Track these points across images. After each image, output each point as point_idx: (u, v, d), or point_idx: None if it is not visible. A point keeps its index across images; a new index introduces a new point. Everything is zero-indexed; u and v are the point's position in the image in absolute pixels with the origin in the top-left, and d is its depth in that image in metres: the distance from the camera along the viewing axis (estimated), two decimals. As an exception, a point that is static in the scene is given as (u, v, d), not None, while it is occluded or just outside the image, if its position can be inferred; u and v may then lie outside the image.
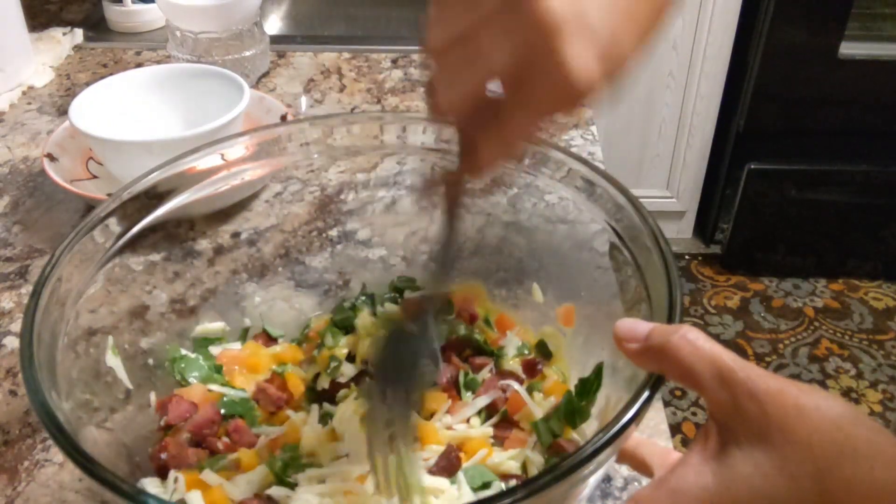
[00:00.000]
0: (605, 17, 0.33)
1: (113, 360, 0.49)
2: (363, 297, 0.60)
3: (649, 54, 0.36)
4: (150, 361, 0.53)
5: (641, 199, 0.48)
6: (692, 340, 0.36)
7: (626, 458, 0.42)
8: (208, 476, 0.45)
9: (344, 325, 0.58)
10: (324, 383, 0.54)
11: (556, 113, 0.35)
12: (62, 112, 0.99)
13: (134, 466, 0.46)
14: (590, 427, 0.49)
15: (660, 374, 0.37)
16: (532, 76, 0.33)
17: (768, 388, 0.34)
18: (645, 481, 0.50)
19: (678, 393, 1.81)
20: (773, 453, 0.33)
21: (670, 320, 0.40)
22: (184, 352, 0.54)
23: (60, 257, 0.45)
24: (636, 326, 0.39)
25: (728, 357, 0.35)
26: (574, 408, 0.49)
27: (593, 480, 0.39)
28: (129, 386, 0.49)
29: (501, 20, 0.33)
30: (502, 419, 0.52)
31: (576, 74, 0.32)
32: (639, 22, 0.34)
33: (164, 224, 0.53)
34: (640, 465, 0.42)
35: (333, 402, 0.53)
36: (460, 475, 0.46)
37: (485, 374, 0.54)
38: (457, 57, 0.34)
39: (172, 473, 0.46)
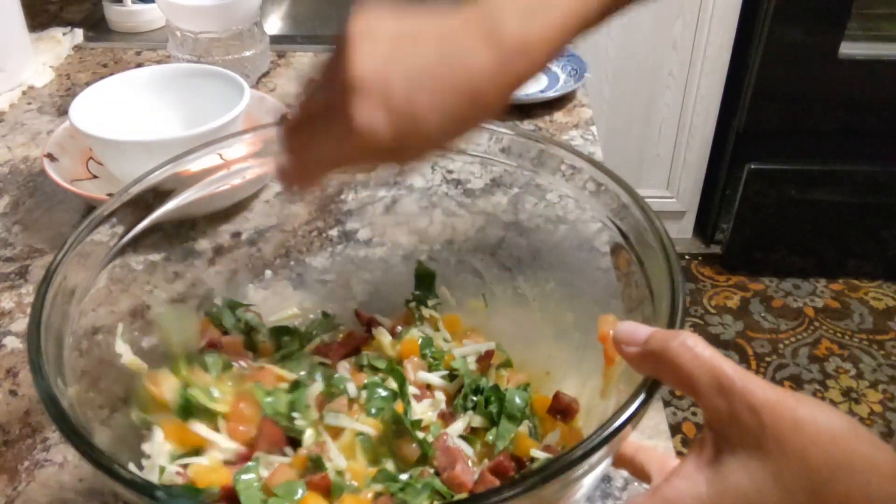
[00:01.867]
0: (407, 90, 0.39)
1: (122, 347, 0.49)
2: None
3: (463, 143, 0.45)
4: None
5: (642, 199, 0.48)
6: (691, 347, 0.36)
7: (624, 463, 0.42)
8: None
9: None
10: None
11: (349, 157, 0.42)
12: (62, 112, 0.99)
13: (137, 463, 0.46)
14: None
15: (658, 379, 0.37)
16: (332, 119, 0.41)
17: (766, 399, 0.34)
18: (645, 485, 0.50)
19: (678, 393, 1.81)
20: (768, 464, 0.33)
21: (672, 320, 0.40)
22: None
23: (66, 255, 0.45)
24: (636, 330, 0.39)
25: (727, 366, 0.35)
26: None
27: (590, 481, 0.38)
28: (145, 369, 0.50)
29: (330, 72, 0.42)
30: None
31: (359, 126, 0.39)
32: (444, 104, 0.40)
33: (165, 224, 0.53)
34: (639, 471, 0.41)
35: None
36: None
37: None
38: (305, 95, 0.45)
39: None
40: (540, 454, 0.47)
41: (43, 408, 0.38)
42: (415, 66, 0.40)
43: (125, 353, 0.49)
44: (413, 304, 0.59)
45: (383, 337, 0.56)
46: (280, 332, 0.57)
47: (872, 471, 0.32)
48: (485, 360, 0.55)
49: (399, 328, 0.58)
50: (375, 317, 0.59)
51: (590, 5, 0.43)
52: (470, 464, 0.48)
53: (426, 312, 0.59)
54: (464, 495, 0.45)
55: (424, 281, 0.60)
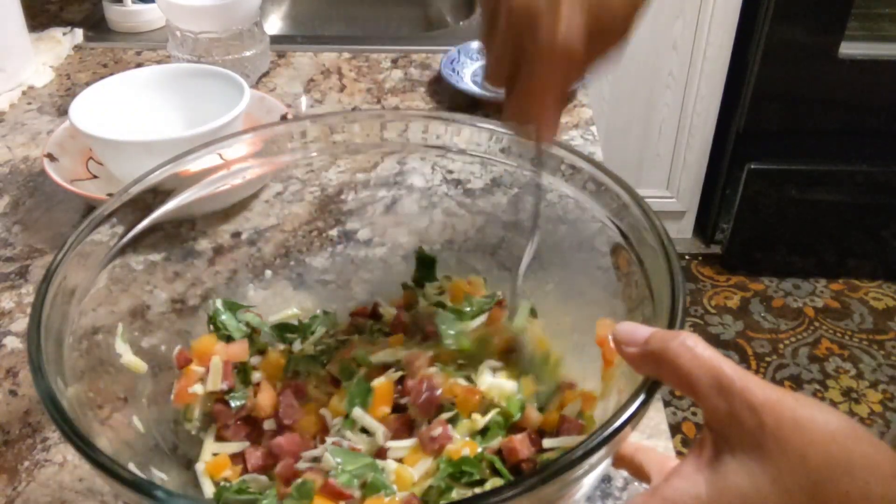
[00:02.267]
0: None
1: (122, 347, 0.49)
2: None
3: (644, 17, 0.45)
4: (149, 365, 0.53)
5: (642, 199, 0.48)
6: (691, 347, 0.36)
7: (623, 463, 0.42)
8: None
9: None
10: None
11: (561, 75, 0.44)
12: (62, 112, 0.99)
13: (135, 462, 0.46)
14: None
15: (657, 379, 0.37)
16: (527, 51, 0.43)
17: (766, 399, 0.34)
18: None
19: (678, 393, 1.81)
20: (767, 464, 0.33)
21: (672, 320, 0.40)
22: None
23: (66, 255, 0.45)
24: (636, 330, 0.39)
25: (727, 366, 0.35)
26: None
27: (590, 481, 0.38)
28: (144, 369, 0.50)
29: (496, 16, 0.44)
30: None
31: (556, 47, 0.41)
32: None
33: (165, 224, 0.53)
34: (638, 471, 0.41)
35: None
36: None
37: None
38: (491, 44, 0.47)
39: None
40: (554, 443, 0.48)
41: (43, 408, 0.38)
42: None
43: (125, 353, 0.49)
44: (413, 287, 0.60)
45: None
46: (283, 328, 0.57)
47: (872, 471, 0.32)
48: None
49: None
50: (378, 301, 0.60)
51: None
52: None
53: (429, 289, 0.59)
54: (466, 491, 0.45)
55: (425, 265, 0.61)
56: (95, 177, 0.82)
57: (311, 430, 0.51)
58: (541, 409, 0.51)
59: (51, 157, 0.80)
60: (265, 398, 0.52)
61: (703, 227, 2.20)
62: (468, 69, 1.04)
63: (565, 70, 0.43)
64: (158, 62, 1.10)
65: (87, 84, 0.83)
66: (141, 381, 0.51)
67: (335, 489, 0.44)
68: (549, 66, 0.43)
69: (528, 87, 0.45)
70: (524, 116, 0.47)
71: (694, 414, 1.77)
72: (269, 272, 0.61)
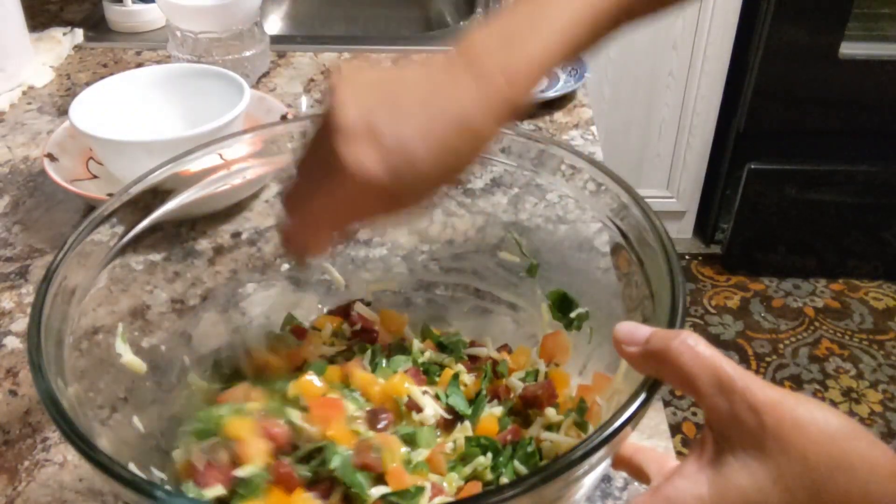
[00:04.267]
0: (393, 125, 0.40)
1: (122, 347, 0.49)
2: None
3: (466, 175, 0.44)
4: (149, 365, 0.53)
5: (642, 199, 0.48)
6: (692, 346, 0.36)
7: (623, 464, 0.42)
8: None
9: None
10: None
11: (351, 208, 0.43)
12: (62, 112, 0.99)
13: (135, 462, 0.46)
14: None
15: (658, 378, 0.37)
16: (326, 171, 0.41)
17: (766, 399, 0.34)
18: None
19: (679, 393, 1.81)
20: (768, 464, 0.33)
21: (672, 320, 0.40)
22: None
23: (66, 255, 0.45)
24: (636, 330, 0.39)
25: (728, 366, 0.35)
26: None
27: (589, 481, 0.38)
28: (144, 369, 0.50)
29: (319, 129, 0.42)
30: None
31: (351, 168, 0.40)
32: (432, 133, 0.40)
33: (165, 224, 0.53)
34: (638, 472, 0.41)
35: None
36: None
37: None
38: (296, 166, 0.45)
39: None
40: None
41: (43, 408, 0.38)
42: (399, 102, 0.41)
43: (125, 353, 0.49)
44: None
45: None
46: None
47: (872, 470, 0.32)
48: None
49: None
50: (353, 302, 0.60)
51: (572, 35, 0.43)
52: None
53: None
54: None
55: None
56: (95, 177, 0.82)
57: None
58: None
59: (51, 157, 0.80)
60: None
61: (703, 227, 2.20)
62: (468, 69, 1.04)
63: (352, 195, 0.41)
64: (158, 62, 1.10)
65: (87, 84, 0.83)
66: (141, 381, 0.51)
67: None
68: (338, 185, 0.41)
69: (308, 201, 0.44)
70: (298, 231, 0.46)
71: (694, 414, 1.77)
72: (269, 272, 0.61)
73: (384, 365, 0.54)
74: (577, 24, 0.43)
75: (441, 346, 0.57)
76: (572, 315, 0.55)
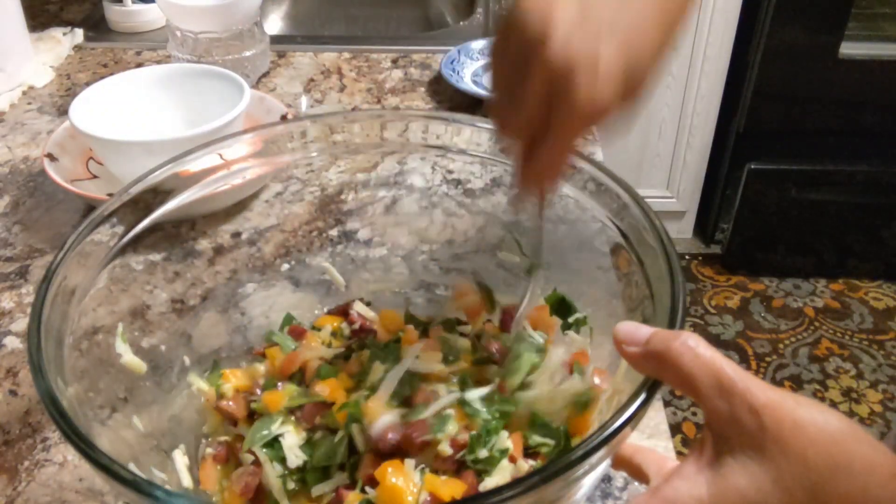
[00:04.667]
0: (617, 53, 0.38)
1: (122, 347, 0.49)
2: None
3: (669, 59, 0.43)
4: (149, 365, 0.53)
5: (642, 199, 0.48)
6: (693, 347, 0.36)
7: (622, 464, 0.42)
8: None
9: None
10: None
11: (583, 132, 0.42)
12: (62, 112, 0.99)
13: (135, 462, 0.46)
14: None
15: (658, 379, 0.37)
16: (560, 109, 0.40)
17: (767, 401, 0.34)
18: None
19: (679, 393, 1.80)
20: (768, 465, 0.33)
21: (672, 320, 0.40)
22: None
23: (66, 255, 0.45)
24: (637, 330, 0.39)
25: (728, 367, 0.35)
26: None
27: (589, 480, 0.38)
28: (144, 369, 0.50)
29: (526, 68, 0.40)
30: None
31: (591, 107, 0.38)
32: (653, 39, 0.40)
33: (165, 224, 0.53)
34: (637, 473, 0.42)
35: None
36: None
37: None
38: (504, 97, 0.43)
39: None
40: None
41: (43, 408, 0.38)
42: (607, 13, 0.39)
43: (125, 353, 0.49)
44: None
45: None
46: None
47: (871, 472, 0.32)
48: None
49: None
50: (351, 302, 0.60)
51: None
52: None
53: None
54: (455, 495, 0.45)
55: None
56: (95, 177, 0.82)
57: None
58: None
59: (51, 157, 0.80)
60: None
61: (703, 227, 2.20)
62: (468, 69, 1.04)
63: (589, 128, 0.41)
64: (158, 62, 1.09)
65: (87, 84, 0.83)
66: (141, 381, 0.51)
67: None
68: (578, 126, 0.41)
69: (553, 146, 0.42)
70: (544, 175, 0.45)
71: (694, 414, 1.77)
72: (269, 272, 0.61)
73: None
74: None
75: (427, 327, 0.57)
76: (570, 319, 0.55)
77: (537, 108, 0.41)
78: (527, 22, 0.39)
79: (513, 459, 0.48)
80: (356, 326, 0.58)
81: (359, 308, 0.59)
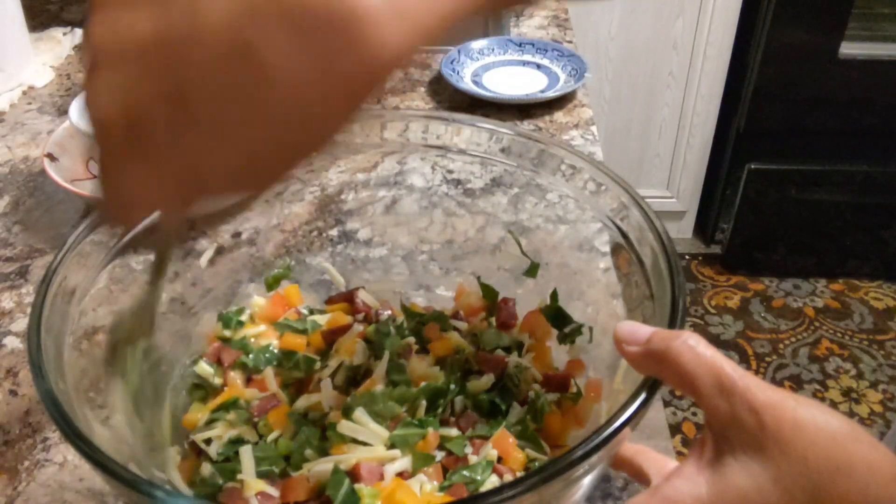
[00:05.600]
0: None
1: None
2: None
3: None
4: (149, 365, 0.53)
5: (642, 199, 0.48)
6: (693, 347, 0.36)
7: (622, 465, 0.42)
8: None
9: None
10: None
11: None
12: (62, 112, 0.99)
13: (136, 462, 0.46)
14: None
15: (659, 378, 0.37)
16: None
17: (767, 400, 0.34)
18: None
19: (679, 393, 1.80)
20: (768, 465, 0.33)
21: (672, 320, 0.40)
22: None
23: (66, 255, 0.45)
24: (637, 330, 0.39)
25: (729, 366, 0.35)
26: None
27: (589, 481, 0.38)
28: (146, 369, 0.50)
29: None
30: None
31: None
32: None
33: (165, 224, 0.53)
34: (637, 473, 0.42)
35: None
36: None
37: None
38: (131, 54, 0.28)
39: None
40: None
41: (43, 408, 0.38)
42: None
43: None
44: None
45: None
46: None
47: (871, 473, 0.32)
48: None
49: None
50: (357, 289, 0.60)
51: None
52: None
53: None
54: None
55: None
56: (95, 177, 0.82)
57: None
58: None
59: (51, 157, 0.80)
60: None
61: (703, 227, 2.20)
62: (468, 69, 1.04)
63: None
64: (158, 62, 1.09)
65: (87, 84, 0.83)
66: (141, 381, 0.51)
67: None
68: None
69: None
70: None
71: (694, 414, 1.77)
72: (269, 272, 0.61)
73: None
74: None
75: (422, 321, 0.57)
76: (566, 330, 0.55)
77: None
78: None
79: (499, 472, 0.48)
80: (360, 317, 0.58)
81: (363, 296, 0.59)
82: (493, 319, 0.58)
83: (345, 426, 0.48)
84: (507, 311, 0.57)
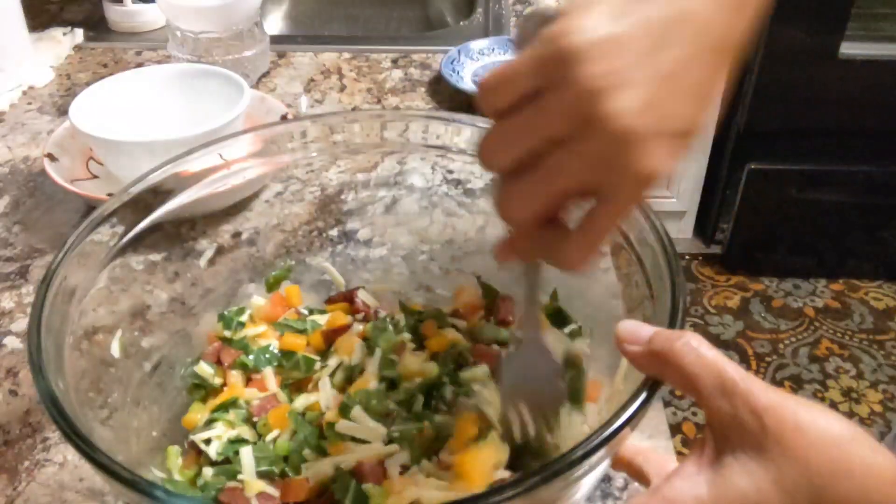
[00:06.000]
0: (679, 114, 0.34)
1: (119, 352, 0.49)
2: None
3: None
4: (149, 365, 0.53)
5: (642, 199, 0.48)
6: (695, 347, 0.36)
7: (623, 465, 0.42)
8: None
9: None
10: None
11: (634, 207, 0.38)
12: (62, 112, 0.99)
13: (135, 462, 0.46)
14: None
15: (660, 378, 0.37)
16: (612, 185, 0.35)
17: (768, 402, 0.34)
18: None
19: (679, 393, 1.81)
20: (769, 467, 0.33)
21: (672, 320, 0.40)
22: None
23: (66, 255, 0.45)
24: (639, 329, 0.39)
25: (730, 367, 0.35)
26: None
27: (589, 481, 0.38)
28: (147, 369, 0.50)
29: (575, 139, 0.34)
30: None
31: (654, 177, 0.34)
32: (705, 100, 0.36)
33: (165, 224, 0.53)
34: (638, 474, 0.41)
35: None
36: None
37: None
38: (528, 175, 0.36)
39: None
40: None
41: (43, 408, 0.38)
42: (663, 69, 0.34)
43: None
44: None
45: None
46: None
47: (872, 475, 0.32)
48: None
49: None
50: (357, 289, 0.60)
51: None
52: None
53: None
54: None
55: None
56: (95, 177, 0.82)
57: None
58: None
59: (51, 157, 0.80)
60: None
61: (703, 227, 2.20)
62: (468, 69, 1.04)
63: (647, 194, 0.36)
64: (158, 62, 1.09)
65: (87, 84, 0.83)
66: (141, 381, 0.51)
67: None
68: (628, 202, 0.36)
69: (599, 223, 0.37)
70: (585, 252, 0.38)
71: (694, 414, 1.77)
72: (269, 272, 0.61)
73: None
74: None
75: (421, 318, 0.57)
76: (566, 331, 0.55)
77: (579, 186, 0.35)
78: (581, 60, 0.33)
79: None
80: (360, 317, 0.58)
81: (362, 296, 0.60)
82: (492, 318, 0.58)
83: (343, 425, 0.48)
84: (506, 309, 0.57)
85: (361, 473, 0.45)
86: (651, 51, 0.34)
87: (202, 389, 0.54)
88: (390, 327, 0.56)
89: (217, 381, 0.54)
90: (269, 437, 0.50)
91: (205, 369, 0.54)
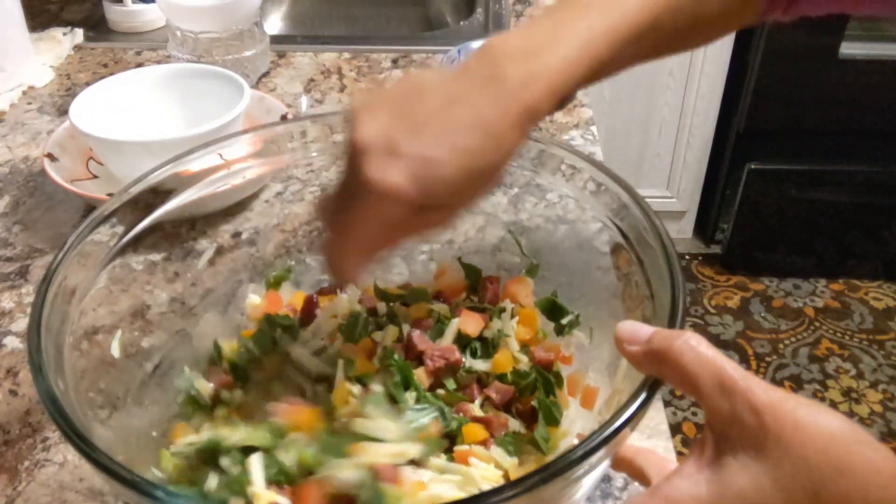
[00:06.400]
0: (412, 136, 0.40)
1: (119, 352, 0.49)
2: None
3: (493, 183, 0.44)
4: (149, 365, 0.53)
5: (642, 199, 0.48)
6: (695, 347, 0.36)
7: (623, 466, 0.42)
8: None
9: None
10: None
11: (385, 225, 0.42)
12: (62, 112, 0.99)
13: (135, 462, 0.46)
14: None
15: (660, 378, 0.37)
16: (355, 192, 0.41)
17: (768, 401, 0.34)
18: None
19: (679, 393, 1.81)
20: (768, 465, 0.33)
21: (672, 320, 0.40)
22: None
23: (66, 255, 0.45)
24: (638, 329, 0.39)
25: (730, 366, 0.35)
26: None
27: (589, 481, 0.38)
28: (147, 369, 0.50)
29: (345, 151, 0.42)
30: None
31: (376, 184, 0.40)
32: (452, 140, 0.40)
33: (165, 224, 0.53)
34: (638, 474, 0.41)
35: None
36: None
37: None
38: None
39: None
40: None
41: (43, 408, 0.38)
42: (416, 113, 0.41)
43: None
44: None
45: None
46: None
47: (872, 473, 0.32)
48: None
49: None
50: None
51: (592, 49, 0.43)
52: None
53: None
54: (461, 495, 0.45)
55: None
56: (95, 177, 0.82)
57: None
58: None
59: (51, 157, 0.80)
60: None
61: (703, 227, 2.20)
62: (468, 69, 1.04)
63: (384, 214, 0.41)
64: (158, 62, 1.09)
65: (87, 84, 0.83)
66: (141, 381, 0.51)
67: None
68: (369, 205, 0.41)
69: (345, 222, 0.43)
70: (336, 252, 0.45)
71: (694, 414, 1.77)
72: (269, 272, 0.61)
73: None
74: (597, 39, 0.43)
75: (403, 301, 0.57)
76: (563, 322, 0.55)
77: (342, 184, 0.43)
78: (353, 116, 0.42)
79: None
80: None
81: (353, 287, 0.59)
82: (475, 299, 0.57)
83: (360, 424, 0.47)
84: (493, 291, 0.57)
85: (378, 474, 0.44)
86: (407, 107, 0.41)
87: (195, 403, 0.52)
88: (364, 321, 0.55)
89: (207, 400, 0.52)
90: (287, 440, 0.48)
91: (202, 384, 0.53)
